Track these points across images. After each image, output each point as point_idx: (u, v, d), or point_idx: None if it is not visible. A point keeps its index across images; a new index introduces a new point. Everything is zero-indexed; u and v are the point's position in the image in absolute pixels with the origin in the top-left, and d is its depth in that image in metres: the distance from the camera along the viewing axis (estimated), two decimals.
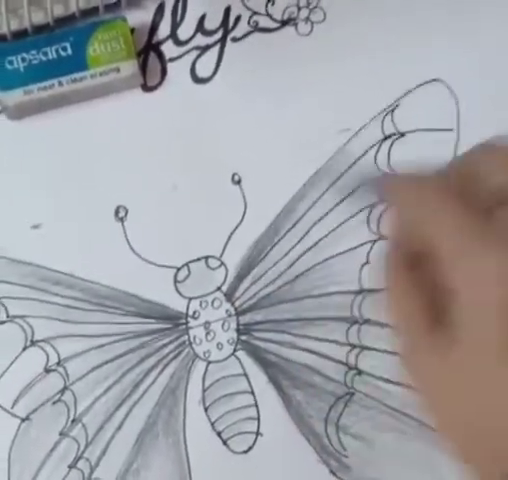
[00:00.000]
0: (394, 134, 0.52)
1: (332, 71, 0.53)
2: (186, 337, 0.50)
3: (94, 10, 0.52)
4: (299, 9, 0.54)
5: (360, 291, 0.51)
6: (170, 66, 0.53)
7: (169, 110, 0.52)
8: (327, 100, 0.53)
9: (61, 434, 0.49)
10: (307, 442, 0.50)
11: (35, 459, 0.48)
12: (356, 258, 0.51)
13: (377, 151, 0.52)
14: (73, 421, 0.49)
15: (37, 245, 0.50)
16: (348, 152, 0.52)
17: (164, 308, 0.50)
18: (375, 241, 0.51)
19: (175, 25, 0.53)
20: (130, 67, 0.51)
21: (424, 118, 0.52)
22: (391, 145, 0.52)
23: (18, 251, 0.50)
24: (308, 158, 0.52)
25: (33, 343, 0.49)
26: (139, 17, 0.53)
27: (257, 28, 0.53)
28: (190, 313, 0.50)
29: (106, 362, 0.50)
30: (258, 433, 0.50)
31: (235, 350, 0.50)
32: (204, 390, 0.50)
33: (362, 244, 0.52)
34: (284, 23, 0.54)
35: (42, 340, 0.49)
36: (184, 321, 0.50)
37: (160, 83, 0.53)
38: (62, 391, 0.49)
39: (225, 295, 0.51)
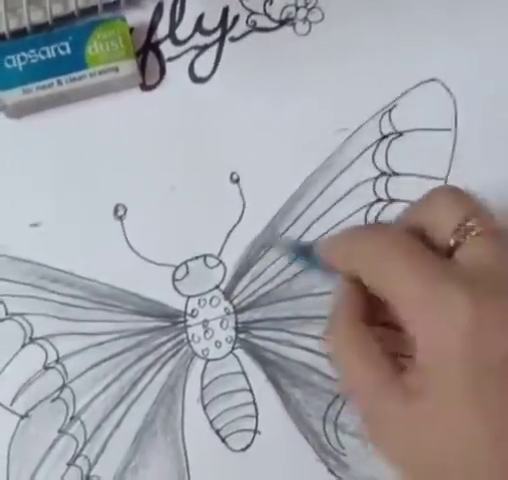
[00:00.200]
0: (392, 133, 0.52)
1: (330, 71, 0.53)
2: (184, 335, 0.50)
3: (93, 9, 0.52)
4: (297, 9, 0.54)
5: None
6: (169, 65, 0.53)
7: (167, 109, 0.52)
8: (325, 99, 0.53)
9: (60, 431, 0.49)
10: (305, 440, 0.50)
11: (34, 456, 0.48)
12: None
13: (375, 150, 0.52)
14: (72, 418, 0.49)
15: (36, 243, 0.50)
16: (346, 151, 0.52)
17: (163, 306, 0.50)
18: None
19: (173, 25, 0.53)
20: (129, 66, 0.51)
21: (422, 118, 0.53)
22: (389, 144, 0.52)
23: (17, 249, 0.50)
24: (306, 157, 0.52)
25: (32, 340, 0.49)
26: (138, 17, 0.53)
27: (255, 28, 0.54)
28: (188, 311, 0.51)
29: (105, 360, 0.50)
30: (256, 431, 0.50)
31: (233, 348, 0.50)
32: (202, 388, 0.50)
33: None
34: (282, 23, 0.54)
35: (41, 338, 0.49)
36: (182, 319, 0.50)
37: (159, 82, 0.53)
38: (61, 388, 0.49)
39: (223, 293, 0.51)
